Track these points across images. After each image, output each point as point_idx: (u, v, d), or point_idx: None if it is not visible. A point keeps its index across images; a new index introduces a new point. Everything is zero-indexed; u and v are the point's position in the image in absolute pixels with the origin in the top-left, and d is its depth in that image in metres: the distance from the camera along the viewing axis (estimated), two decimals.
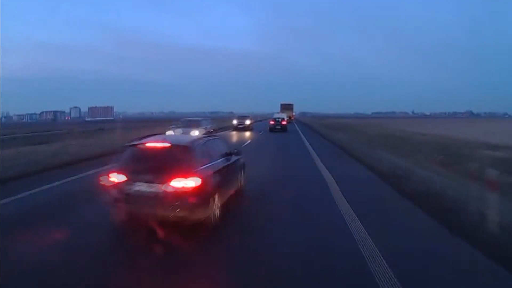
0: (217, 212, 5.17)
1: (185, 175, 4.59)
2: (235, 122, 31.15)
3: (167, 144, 5.09)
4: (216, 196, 5.16)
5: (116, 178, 4.74)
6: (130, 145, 5.28)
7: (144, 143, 5.20)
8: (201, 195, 4.66)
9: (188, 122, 19.51)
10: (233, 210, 5.89)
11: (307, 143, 19.15)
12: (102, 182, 4.85)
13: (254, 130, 30.27)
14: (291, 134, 27.01)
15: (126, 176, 4.69)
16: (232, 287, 3.40)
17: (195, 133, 16.31)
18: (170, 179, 4.54)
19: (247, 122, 30.82)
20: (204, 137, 6.60)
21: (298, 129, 36.14)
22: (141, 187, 4.60)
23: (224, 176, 5.67)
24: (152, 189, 4.57)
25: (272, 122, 30.49)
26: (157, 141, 5.25)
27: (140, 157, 5.12)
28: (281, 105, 56.56)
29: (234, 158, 6.66)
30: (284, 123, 30.36)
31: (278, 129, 29.15)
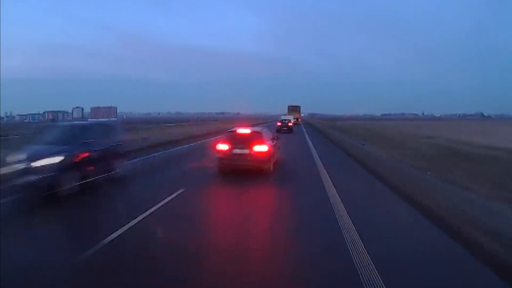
0: (272, 166, 10.38)
1: (261, 143, 9.79)
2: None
3: (249, 130, 10.52)
4: (272, 159, 10.33)
5: (223, 146, 9.85)
6: (229, 131, 10.68)
7: (236, 130, 10.54)
8: (268, 155, 9.85)
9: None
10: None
11: (328, 181, 9.18)
12: (216, 149, 10.08)
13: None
14: (298, 147, 19.00)
15: (228, 145, 9.79)
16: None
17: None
18: (254, 146, 9.67)
19: (41, 162, 6.99)
20: (263, 128, 12.35)
21: (307, 136, 27.41)
22: (237, 151, 9.69)
23: (274, 149, 10.93)
24: (243, 152, 9.65)
25: (279, 124, 33.08)
26: (242, 127, 10.87)
27: (235, 136, 10.23)
28: (288, 107, 57.74)
29: (276, 141, 11.86)
30: (290, 124, 33.13)
31: (284, 129, 31.50)
